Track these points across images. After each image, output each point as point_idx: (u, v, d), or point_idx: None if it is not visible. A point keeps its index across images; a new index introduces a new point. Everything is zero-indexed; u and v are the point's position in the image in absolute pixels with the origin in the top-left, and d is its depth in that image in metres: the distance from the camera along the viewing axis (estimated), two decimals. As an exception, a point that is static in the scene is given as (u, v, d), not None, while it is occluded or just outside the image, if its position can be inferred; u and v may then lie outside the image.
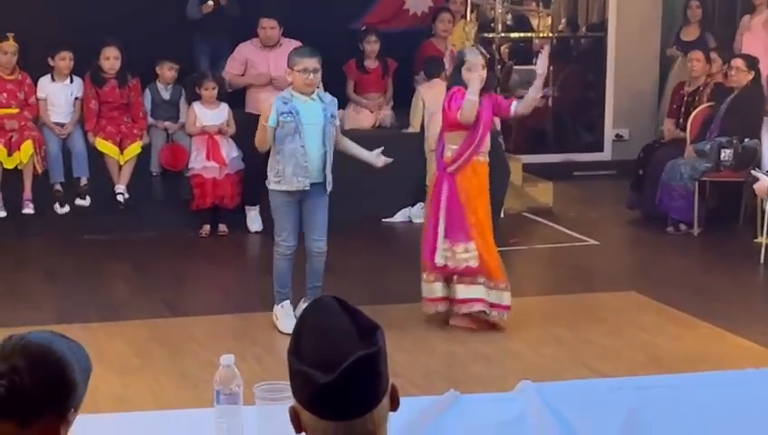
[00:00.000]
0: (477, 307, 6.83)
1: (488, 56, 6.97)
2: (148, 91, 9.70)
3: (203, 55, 10.23)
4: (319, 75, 6.73)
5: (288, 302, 6.93)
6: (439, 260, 6.81)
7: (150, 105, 9.70)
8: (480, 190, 6.88)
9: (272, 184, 6.81)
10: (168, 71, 9.68)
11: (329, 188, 6.83)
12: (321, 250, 6.91)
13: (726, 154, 9.33)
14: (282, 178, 6.74)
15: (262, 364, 6.08)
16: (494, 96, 7.05)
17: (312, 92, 6.77)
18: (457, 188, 6.81)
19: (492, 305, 6.85)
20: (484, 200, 6.91)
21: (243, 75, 9.74)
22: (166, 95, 9.74)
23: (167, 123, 9.62)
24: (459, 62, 6.88)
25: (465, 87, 6.71)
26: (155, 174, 9.53)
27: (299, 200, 6.82)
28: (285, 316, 6.86)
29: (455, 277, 6.85)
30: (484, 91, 6.75)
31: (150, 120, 9.63)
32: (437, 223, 6.82)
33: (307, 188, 6.73)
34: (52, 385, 2.53)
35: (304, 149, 6.68)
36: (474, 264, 6.79)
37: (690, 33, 11.57)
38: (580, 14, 13.39)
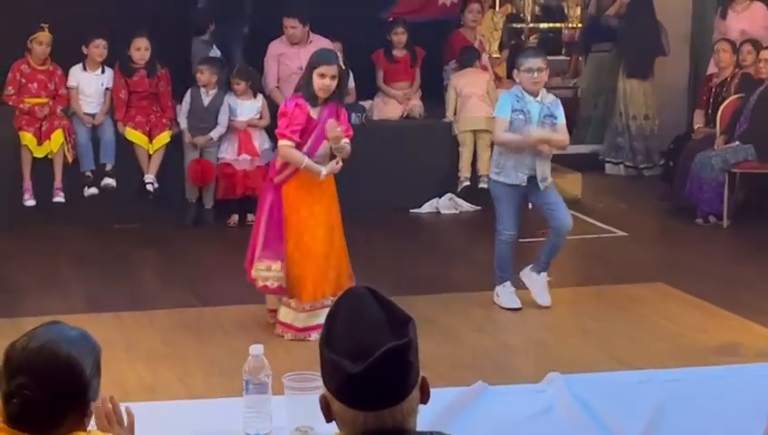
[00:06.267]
0: (278, 329, 6.56)
1: (342, 67, 6.51)
2: (188, 95, 9.42)
3: (234, 43, 10.26)
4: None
5: (509, 282, 7.10)
6: (255, 273, 6.59)
7: (188, 109, 9.39)
8: (315, 206, 6.50)
9: (492, 174, 7.08)
10: (202, 75, 9.36)
11: (542, 185, 6.95)
12: (569, 227, 7.05)
13: None
14: (502, 170, 6.96)
15: (290, 354, 6.09)
16: (342, 111, 6.58)
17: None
18: (282, 201, 6.49)
19: (290, 328, 6.49)
20: (323, 219, 6.51)
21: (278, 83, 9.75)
22: (206, 101, 9.42)
23: (196, 139, 9.31)
24: (313, 63, 6.46)
25: (309, 93, 6.40)
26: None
27: (521, 193, 7.01)
28: (507, 294, 7.06)
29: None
30: (330, 99, 6.44)
31: (183, 124, 9.37)
32: (258, 235, 6.58)
33: (524, 184, 6.92)
34: (66, 392, 2.51)
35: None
36: (272, 284, 6.50)
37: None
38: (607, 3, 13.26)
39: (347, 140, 6.51)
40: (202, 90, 9.41)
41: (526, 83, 6.89)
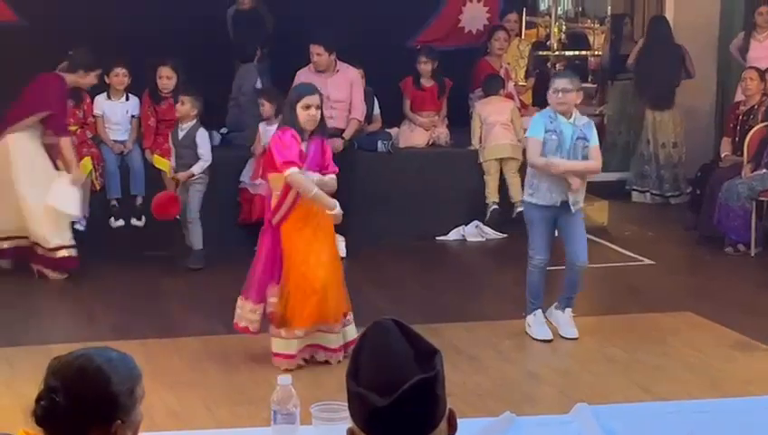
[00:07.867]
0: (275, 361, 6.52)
1: (322, 95, 6.62)
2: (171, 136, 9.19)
3: (263, 75, 10.24)
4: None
5: (540, 311, 7.06)
6: (239, 313, 6.64)
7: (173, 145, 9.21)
8: (314, 243, 6.47)
9: (526, 196, 7.03)
10: (183, 105, 9.04)
11: (573, 208, 6.89)
12: (583, 263, 6.99)
13: None
14: (536, 191, 6.92)
15: (317, 382, 6.09)
16: (327, 147, 6.61)
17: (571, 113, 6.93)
18: (282, 240, 6.44)
19: (286, 357, 6.47)
20: (322, 253, 6.48)
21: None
22: (180, 135, 9.09)
23: (178, 174, 9.04)
24: (294, 98, 6.51)
25: (296, 127, 6.41)
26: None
27: (554, 215, 6.93)
28: (538, 324, 7.02)
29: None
30: (314, 134, 6.47)
31: (173, 162, 9.16)
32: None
33: (558, 205, 6.87)
34: (89, 400, 2.58)
35: None
36: (252, 327, 6.57)
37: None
38: (636, 30, 13.24)
39: (332, 177, 6.51)
40: (181, 125, 9.12)
41: (553, 104, 6.92)
